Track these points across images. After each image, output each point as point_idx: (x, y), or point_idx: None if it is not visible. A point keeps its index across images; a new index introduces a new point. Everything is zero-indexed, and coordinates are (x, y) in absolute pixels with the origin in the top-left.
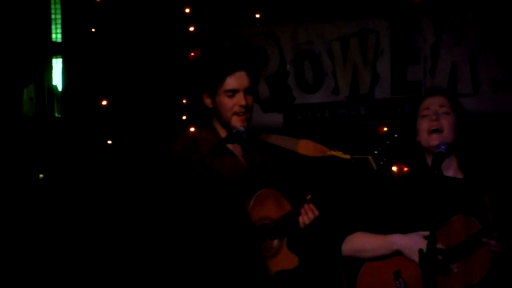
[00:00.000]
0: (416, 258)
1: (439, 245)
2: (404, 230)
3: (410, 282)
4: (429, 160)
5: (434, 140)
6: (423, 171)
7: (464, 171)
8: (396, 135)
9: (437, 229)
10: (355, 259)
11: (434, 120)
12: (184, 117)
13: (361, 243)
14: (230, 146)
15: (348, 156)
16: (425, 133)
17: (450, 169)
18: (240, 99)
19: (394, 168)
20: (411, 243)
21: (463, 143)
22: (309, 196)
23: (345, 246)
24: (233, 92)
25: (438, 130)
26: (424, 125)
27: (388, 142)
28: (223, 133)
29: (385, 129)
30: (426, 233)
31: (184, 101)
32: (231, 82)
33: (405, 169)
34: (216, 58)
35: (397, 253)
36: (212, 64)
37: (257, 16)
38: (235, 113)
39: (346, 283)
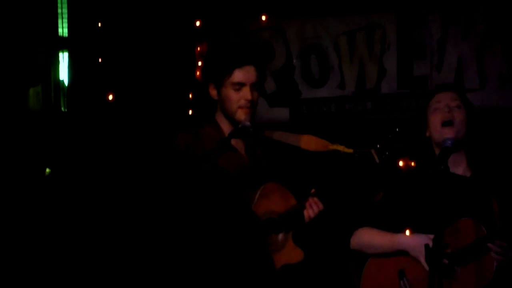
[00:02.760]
0: (422, 258)
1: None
2: (411, 226)
3: (414, 282)
4: None
5: (447, 133)
6: (431, 167)
7: (472, 169)
8: (397, 129)
9: (443, 228)
10: (362, 254)
11: (446, 112)
12: (190, 112)
13: (368, 239)
14: (232, 141)
15: (350, 150)
16: (438, 126)
17: (460, 167)
18: (246, 93)
19: (401, 163)
20: (418, 243)
21: (473, 140)
22: (313, 190)
23: (353, 240)
24: (240, 86)
25: (450, 123)
26: (436, 118)
27: (390, 136)
28: (226, 127)
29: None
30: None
31: (190, 95)
32: (239, 75)
33: (412, 164)
34: (226, 49)
35: (403, 252)
36: (221, 55)
37: (263, 17)
38: (240, 107)
39: (356, 278)
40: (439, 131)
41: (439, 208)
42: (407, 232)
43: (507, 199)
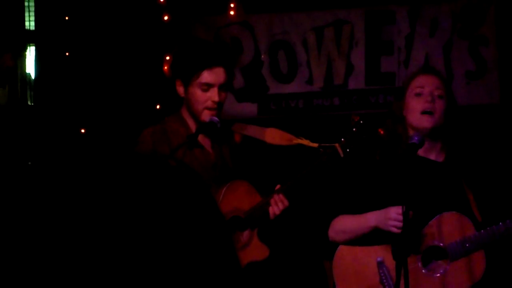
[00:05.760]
0: (392, 228)
1: (435, 242)
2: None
3: (392, 270)
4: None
5: (426, 122)
6: (400, 154)
7: (446, 154)
8: (361, 122)
9: (411, 209)
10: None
11: (429, 101)
12: (158, 106)
13: (343, 224)
14: (199, 138)
15: (315, 145)
16: (417, 113)
17: (433, 153)
18: (213, 94)
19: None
20: (384, 214)
21: (449, 129)
22: (278, 186)
23: (330, 231)
24: (208, 86)
25: (431, 113)
26: (417, 105)
27: (354, 130)
28: (192, 123)
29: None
30: (396, 207)
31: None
32: (208, 76)
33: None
34: (196, 48)
35: (378, 241)
36: (191, 54)
37: (232, 5)
38: (206, 108)
39: (330, 274)
40: (418, 118)
41: (410, 193)
42: None
43: (479, 185)
